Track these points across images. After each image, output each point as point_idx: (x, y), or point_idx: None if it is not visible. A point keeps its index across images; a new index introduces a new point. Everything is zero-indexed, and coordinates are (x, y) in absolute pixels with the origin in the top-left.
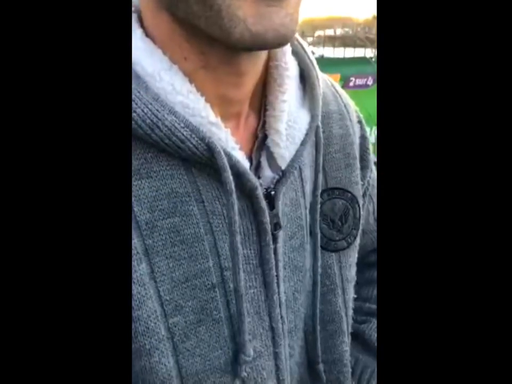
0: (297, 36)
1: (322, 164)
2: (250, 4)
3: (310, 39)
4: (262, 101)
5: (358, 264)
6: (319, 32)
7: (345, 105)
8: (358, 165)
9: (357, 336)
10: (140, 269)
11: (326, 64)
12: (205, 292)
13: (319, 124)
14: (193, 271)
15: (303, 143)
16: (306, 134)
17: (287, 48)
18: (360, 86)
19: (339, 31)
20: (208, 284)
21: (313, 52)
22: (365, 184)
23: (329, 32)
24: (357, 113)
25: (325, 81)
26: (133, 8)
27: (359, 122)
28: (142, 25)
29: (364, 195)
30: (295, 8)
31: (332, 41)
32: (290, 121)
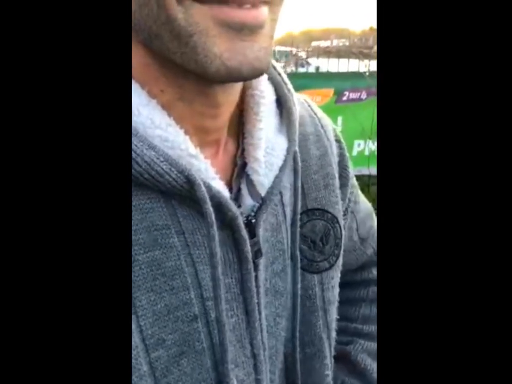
0: (273, 62)
1: (301, 187)
2: (225, 40)
3: (304, 52)
4: (239, 127)
5: (344, 284)
6: (315, 44)
7: (322, 126)
8: (337, 184)
9: (342, 358)
10: None
11: (320, 78)
12: (187, 323)
13: (297, 149)
14: (174, 303)
15: (281, 169)
16: (285, 160)
17: (263, 76)
18: (353, 100)
19: (335, 42)
20: (190, 315)
21: (309, 63)
22: (345, 202)
23: (326, 43)
24: (335, 131)
25: (302, 102)
26: None
27: (337, 141)
28: None
29: (345, 213)
30: (268, 42)
31: (327, 53)
32: (268, 148)
